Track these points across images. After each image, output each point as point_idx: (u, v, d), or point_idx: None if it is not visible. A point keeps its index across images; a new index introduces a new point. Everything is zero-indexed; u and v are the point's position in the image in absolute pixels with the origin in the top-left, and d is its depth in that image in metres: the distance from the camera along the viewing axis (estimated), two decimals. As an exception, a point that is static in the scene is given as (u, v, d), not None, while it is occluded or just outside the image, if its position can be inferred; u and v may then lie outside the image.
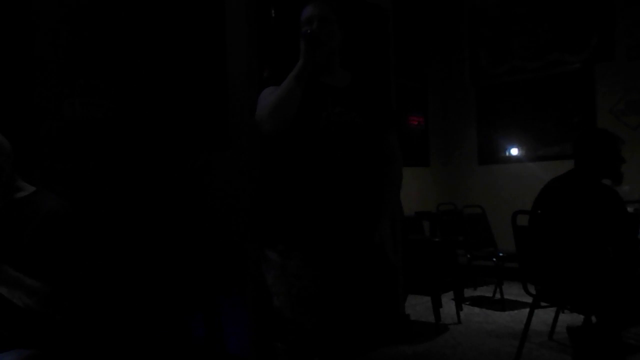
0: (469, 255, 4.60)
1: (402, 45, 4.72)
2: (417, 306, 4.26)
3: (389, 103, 2.02)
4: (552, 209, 2.67)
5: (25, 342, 1.59)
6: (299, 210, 1.73)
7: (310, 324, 1.70)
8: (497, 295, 4.45)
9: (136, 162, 2.34)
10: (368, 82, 1.91)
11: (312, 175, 1.74)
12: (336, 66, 1.85)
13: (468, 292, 4.79)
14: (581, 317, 2.87)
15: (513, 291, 4.53)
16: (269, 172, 1.83)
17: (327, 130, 1.73)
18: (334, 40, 1.77)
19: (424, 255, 3.89)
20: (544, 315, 3.68)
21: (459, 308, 4.03)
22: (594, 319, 2.70)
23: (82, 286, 1.69)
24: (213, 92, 2.65)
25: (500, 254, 4.37)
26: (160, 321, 2.29)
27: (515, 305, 4.32)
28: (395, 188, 1.93)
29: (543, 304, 2.78)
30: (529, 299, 2.81)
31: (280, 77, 1.71)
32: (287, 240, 1.74)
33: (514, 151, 5.94)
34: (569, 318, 3.61)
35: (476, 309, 4.33)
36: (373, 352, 3.20)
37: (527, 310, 2.83)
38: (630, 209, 3.29)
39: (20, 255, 1.58)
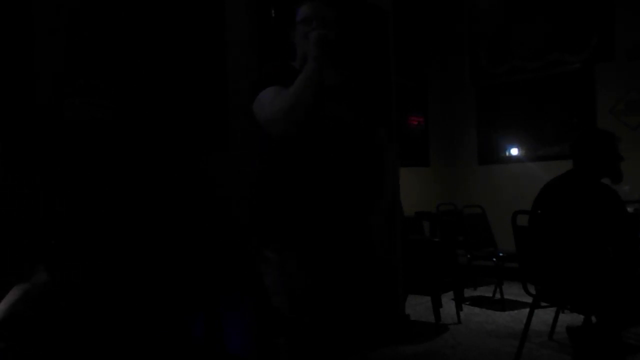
0: (469, 255, 4.60)
1: (402, 45, 4.71)
2: (417, 306, 4.26)
3: (385, 101, 2.02)
4: (551, 209, 2.67)
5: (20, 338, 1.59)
6: (295, 210, 1.74)
7: (309, 323, 1.71)
8: (497, 295, 4.45)
9: (136, 162, 2.34)
10: (362, 80, 1.90)
11: (306, 175, 1.74)
12: (328, 65, 1.84)
13: (468, 292, 4.79)
14: (581, 317, 2.87)
15: (513, 291, 4.53)
16: (265, 172, 1.83)
17: (319, 130, 1.73)
18: (330, 40, 1.76)
19: (424, 255, 3.89)
20: (544, 315, 3.68)
21: (459, 308, 4.03)
22: (594, 319, 2.70)
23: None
24: (213, 92, 2.65)
25: (500, 254, 4.37)
26: (160, 321, 2.29)
27: (515, 305, 4.32)
28: (391, 185, 1.92)
29: (543, 304, 2.78)
30: (529, 299, 2.81)
31: (279, 77, 1.71)
32: (284, 240, 1.74)
33: (514, 151, 5.94)
34: (569, 318, 3.62)
35: (476, 309, 4.33)
36: (373, 352, 3.20)
37: (527, 310, 2.83)
38: (630, 209, 3.29)
39: None
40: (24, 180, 1.90)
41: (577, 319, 3.10)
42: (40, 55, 2.06)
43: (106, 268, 2.12)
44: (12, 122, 1.98)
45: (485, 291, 4.89)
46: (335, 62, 1.85)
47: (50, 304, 1.63)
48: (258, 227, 1.81)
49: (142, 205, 2.32)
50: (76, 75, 2.14)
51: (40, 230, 1.73)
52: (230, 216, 2.65)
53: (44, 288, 1.65)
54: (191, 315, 2.43)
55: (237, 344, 2.58)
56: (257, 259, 1.80)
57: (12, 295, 1.60)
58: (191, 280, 2.42)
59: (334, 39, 1.78)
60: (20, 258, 1.65)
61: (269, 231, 1.78)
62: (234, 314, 2.58)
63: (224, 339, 2.47)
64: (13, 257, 1.64)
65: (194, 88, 2.57)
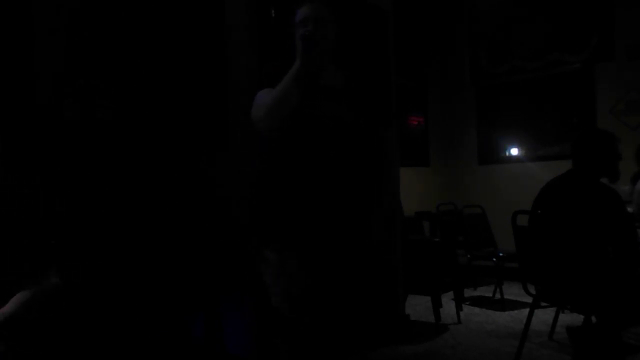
0: (469, 255, 4.60)
1: (402, 45, 4.71)
2: (417, 306, 4.26)
3: (385, 101, 2.02)
4: (551, 209, 2.67)
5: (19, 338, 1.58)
6: (294, 209, 1.74)
7: (308, 323, 1.71)
8: (497, 295, 4.45)
9: (136, 163, 2.34)
10: (362, 81, 1.91)
11: (306, 174, 1.74)
12: (329, 66, 1.84)
13: (468, 292, 4.79)
14: (581, 317, 2.87)
15: (513, 291, 4.53)
16: (265, 172, 1.84)
17: (319, 130, 1.73)
18: (328, 41, 1.77)
19: (424, 255, 3.89)
20: (544, 315, 3.68)
21: (459, 308, 4.03)
22: (594, 319, 2.70)
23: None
24: (213, 93, 2.65)
25: (500, 254, 4.37)
26: (160, 321, 2.29)
27: (515, 305, 4.32)
28: (391, 185, 1.93)
29: (543, 304, 2.78)
30: (529, 299, 2.81)
31: (279, 78, 1.71)
32: (284, 240, 1.74)
33: (514, 151, 5.94)
34: (569, 318, 3.62)
35: (476, 309, 4.33)
36: (373, 352, 3.20)
37: (527, 310, 2.83)
38: (630, 209, 3.29)
39: None
40: (24, 180, 1.90)
41: (577, 319, 3.10)
42: (40, 55, 2.06)
43: (106, 268, 2.12)
44: (12, 122, 1.98)
45: (485, 291, 4.89)
46: (335, 62, 1.86)
47: (50, 305, 1.63)
48: (258, 227, 1.81)
49: (142, 206, 2.32)
50: (76, 75, 2.14)
51: (40, 230, 1.73)
52: (230, 216, 2.65)
53: (51, 291, 1.65)
54: (191, 315, 2.43)
55: (237, 344, 2.58)
56: (257, 259, 1.80)
57: (17, 298, 1.60)
58: (191, 281, 2.42)
59: (333, 39, 1.79)
60: (20, 258, 1.65)
61: (269, 231, 1.78)
62: (234, 314, 2.58)
63: (224, 339, 2.47)
64: (13, 257, 1.64)
65: (194, 88, 2.57)
